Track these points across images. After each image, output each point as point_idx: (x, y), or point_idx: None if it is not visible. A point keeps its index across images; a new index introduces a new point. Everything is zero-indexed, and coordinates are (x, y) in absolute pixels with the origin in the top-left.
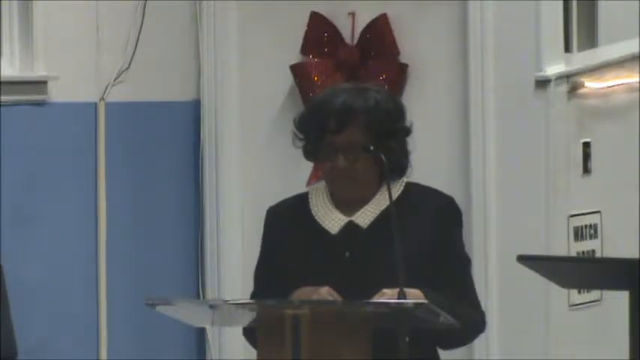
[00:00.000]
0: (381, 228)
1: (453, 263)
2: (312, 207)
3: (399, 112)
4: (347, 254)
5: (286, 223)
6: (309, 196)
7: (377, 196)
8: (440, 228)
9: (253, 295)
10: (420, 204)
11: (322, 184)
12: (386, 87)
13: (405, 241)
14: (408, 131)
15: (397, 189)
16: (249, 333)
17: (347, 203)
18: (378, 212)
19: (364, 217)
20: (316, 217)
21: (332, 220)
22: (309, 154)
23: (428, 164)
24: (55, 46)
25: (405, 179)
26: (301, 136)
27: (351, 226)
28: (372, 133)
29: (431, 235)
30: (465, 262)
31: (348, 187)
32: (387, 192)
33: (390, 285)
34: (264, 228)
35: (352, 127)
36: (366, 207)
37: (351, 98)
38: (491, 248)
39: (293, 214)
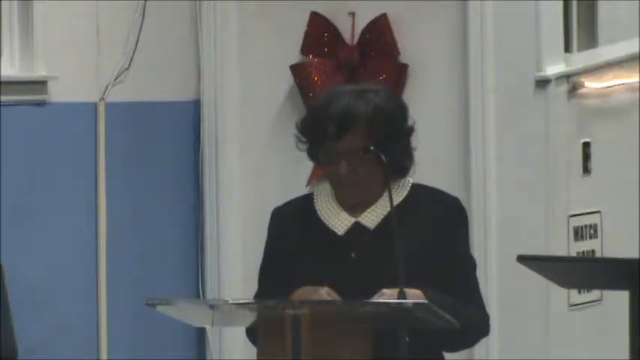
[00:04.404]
0: (387, 229)
1: (458, 264)
2: (317, 207)
3: (401, 114)
4: (353, 255)
5: (291, 223)
6: (314, 196)
7: (383, 197)
8: (445, 229)
9: (257, 296)
10: (425, 205)
11: (327, 184)
12: (388, 86)
13: (410, 241)
14: (410, 131)
15: (403, 190)
16: (252, 332)
17: (352, 204)
18: (384, 213)
19: (371, 218)
20: (322, 218)
21: (338, 221)
22: (313, 156)
23: (428, 164)
24: (55, 46)
25: (410, 180)
26: (304, 140)
27: (357, 227)
28: (373, 138)
29: (436, 236)
30: (469, 264)
31: (352, 191)
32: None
33: (397, 286)
34: (268, 228)
35: (352, 132)
36: (372, 208)
37: (350, 103)
38: (492, 248)
39: (298, 215)
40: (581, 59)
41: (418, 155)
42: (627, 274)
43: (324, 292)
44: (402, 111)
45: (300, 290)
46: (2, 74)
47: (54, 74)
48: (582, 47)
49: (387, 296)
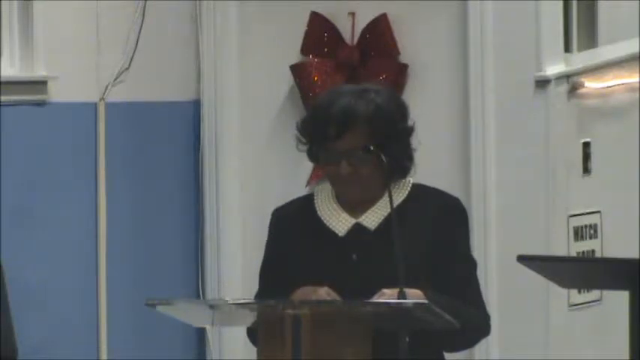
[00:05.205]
0: (388, 230)
1: (458, 264)
2: (317, 208)
3: (401, 113)
4: (354, 256)
5: (292, 224)
6: (315, 197)
7: (383, 198)
8: (444, 229)
9: (257, 296)
10: (426, 205)
11: (327, 184)
12: (388, 86)
13: (410, 242)
14: (410, 131)
15: (404, 190)
16: (252, 332)
17: (352, 205)
18: (385, 214)
19: (371, 219)
20: (322, 219)
21: (339, 222)
22: (313, 156)
23: (428, 164)
24: (55, 46)
25: (411, 180)
26: (304, 140)
27: (358, 228)
28: (373, 138)
29: (436, 236)
30: (469, 264)
31: (353, 190)
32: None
33: (397, 286)
34: (269, 229)
35: (352, 132)
36: (372, 208)
37: (350, 103)
38: (491, 248)
39: (298, 216)
40: (581, 59)
41: (418, 155)
42: (627, 274)
43: (324, 292)
44: (402, 111)
45: (300, 290)
46: (2, 74)
47: (54, 74)
48: (582, 47)
49: (387, 296)
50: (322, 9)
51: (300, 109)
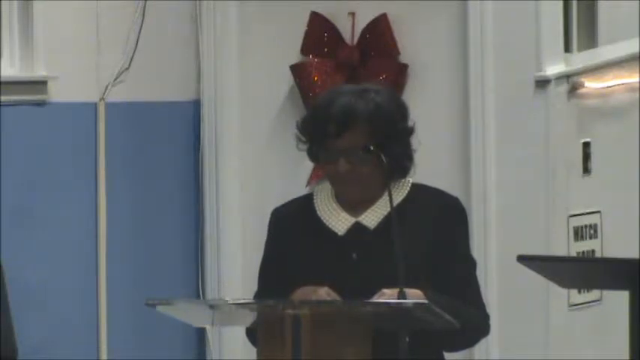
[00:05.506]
0: (387, 229)
1: (458, 264)
2: (317, 208)
3: (401, 113)
4: (354, 255)
5: (291, 224)
6: (314, 196)
7: (383, 198)
8: (445, 229)
9: (257, 296)
10: (425, 205)
11: (327, 184)
12: (388, 86)
13: (410, 242)
14: (410, 131)
15: (403, 190)
16: (252, 333)
17: (352, 204)
18: (384, 213)
19: (371, 218)
20: (322, 218)
21: (339, 221)
22: (313, 156)
23: (428, 164)
24: (55, 46)
25: (410, 180)
26: (304, 139)
27: (357, 227)
28: (373, 137)
29: (436, 236)
30: (469, 264)
31: (352, 189)
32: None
33: (397, 286)
34: (268, 228)
35: (352, 130)
36: (372, 208)
37: (350, 102)
38: (491, 248)
39: (298, 215)
40: (581, 59)
41: (418, 155)
42: (627, 274)
43: (324, 292)
44: (402, 111)
45: (300, 290)
46: (2, 74)
47: (54, 74)
48: (582, 47)
49: (387, 296)
50: (322, 9)
51: (300, 109)
